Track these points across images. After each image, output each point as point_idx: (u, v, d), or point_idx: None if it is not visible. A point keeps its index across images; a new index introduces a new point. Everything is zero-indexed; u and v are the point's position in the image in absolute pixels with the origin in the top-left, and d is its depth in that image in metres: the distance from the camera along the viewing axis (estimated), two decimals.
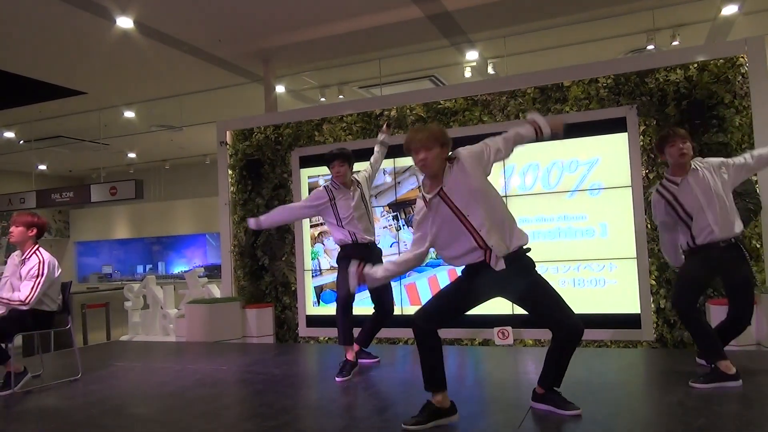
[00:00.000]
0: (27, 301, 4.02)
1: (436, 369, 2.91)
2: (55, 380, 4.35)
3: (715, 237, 3.42)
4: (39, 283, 4.05)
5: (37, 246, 4.25)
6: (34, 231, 4.24)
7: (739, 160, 3.53)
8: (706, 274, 3.58)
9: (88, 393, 3.97)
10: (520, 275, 2.85)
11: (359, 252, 4.19)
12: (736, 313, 3.54)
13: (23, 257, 4.20)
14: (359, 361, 4.31)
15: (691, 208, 3.47)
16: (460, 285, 2.97)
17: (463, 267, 2.95)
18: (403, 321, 5.53)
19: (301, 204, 4.58)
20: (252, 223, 4.40)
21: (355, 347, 4.29)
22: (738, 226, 3.47)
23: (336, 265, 4.50)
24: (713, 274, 3.64)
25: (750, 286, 3.54)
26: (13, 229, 4.23)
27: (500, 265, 2.80)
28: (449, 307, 2.96)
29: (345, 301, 4.29)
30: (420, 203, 2.93)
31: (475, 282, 2.89)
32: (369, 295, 4.47)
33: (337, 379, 4.04)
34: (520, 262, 2.88)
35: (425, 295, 5.91)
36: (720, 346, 3.47)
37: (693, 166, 3.52)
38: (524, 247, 2.91)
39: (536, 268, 2.95)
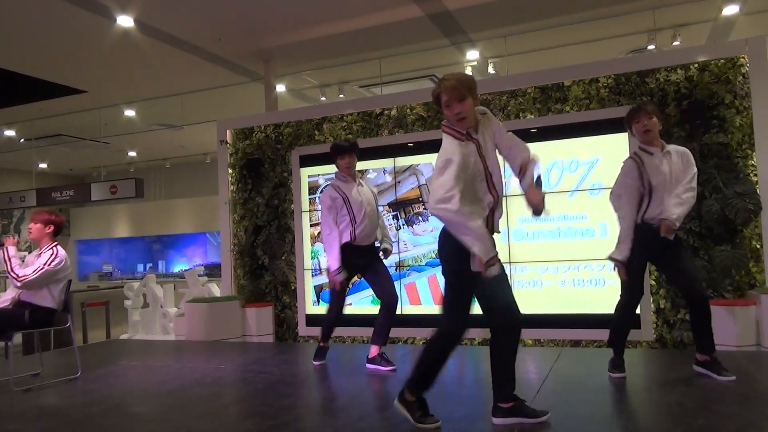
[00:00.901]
0: (21, 278, 4.04)
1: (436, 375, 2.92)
2: (55, 379, 4.35)
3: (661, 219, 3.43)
4: (42, 269, 4.07)
5: (55, 243, 4.30)
6: (51, 228, 4.29)
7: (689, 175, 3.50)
8: (641, 261, 3.60)
9: (87, 392, 3.97)
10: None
11: (355, 256, 4.19)
12: (686, 290, 3.48)
13: (40, 251, 4.25)
14: (376, 367, 4.23)
15: (656, 182, 3.46)
16: (464, 275, 2.78)
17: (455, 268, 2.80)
18: (403, 320, 5.55)
19: (326, 217, 4.24)
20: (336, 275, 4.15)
21: (375, 350, 4.25)
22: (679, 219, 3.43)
23: None
24: (648, 259, 3.66)
25: (688, 258, 3.53)
26: (31, 225, 4.32)
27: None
28: (468, 299, 2.85)
29: (332, 323, 4.44)
30: (453, 150, 2.66)
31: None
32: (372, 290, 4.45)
33: (314, 363, 4.43)
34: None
35: (425, 295, 5.91)
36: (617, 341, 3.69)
37: (667, 149, 3.53)
38: None
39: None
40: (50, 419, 3.36)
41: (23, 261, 4.33)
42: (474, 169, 2.70)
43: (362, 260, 4.24)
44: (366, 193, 4.27)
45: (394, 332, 5.76)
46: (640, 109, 3.56)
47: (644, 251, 3.55)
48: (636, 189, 3.51)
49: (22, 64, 7.65)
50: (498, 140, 2.87)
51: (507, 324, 2.82)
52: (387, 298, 4.25)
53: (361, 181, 4.34)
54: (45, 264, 4.10)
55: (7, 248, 4.17)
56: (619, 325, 3.73)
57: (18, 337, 4.66)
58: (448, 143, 2.72)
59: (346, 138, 4.42)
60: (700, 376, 3.60)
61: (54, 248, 4.23)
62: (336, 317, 4.43)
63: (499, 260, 2.67)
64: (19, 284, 4.08)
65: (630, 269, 3.55)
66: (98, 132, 10.94)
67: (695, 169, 3.52)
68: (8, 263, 4.10)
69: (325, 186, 4.42)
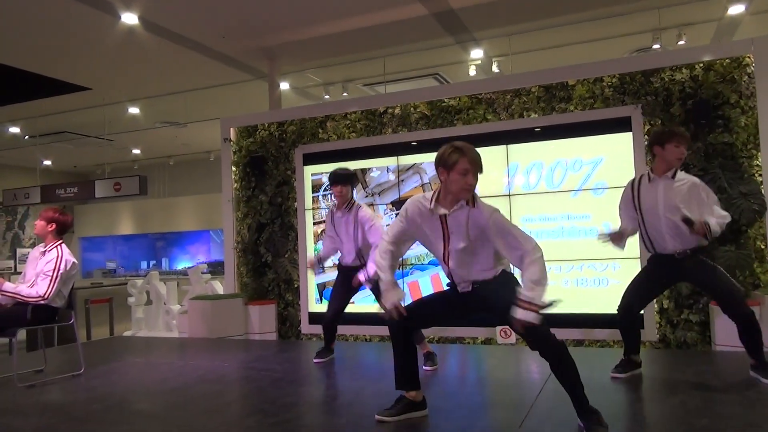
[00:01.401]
0: (46, 296, 4.05)
1: (409, 368, 2.96)
2: (58, 375, 4.37)
3: (667, 248, 3.44)
4: (55, 278, 4.08)
5: (59, 241, 4.28)
6: (53, 226, 4.27)
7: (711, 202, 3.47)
8: (656, 280, 3.62)
9: (90, 388, 3.98)
10: (497, 290, 2.80)
11: (343, 268, 4.42)
12: (723, 308, 3.44)
13: (44, 250, 4.25)
14: (423, 367, 4.12)
15: (645, 208, 3.48)
16: (448, 295, 2.97)
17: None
18: None
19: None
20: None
21: (425, 348, 4.19)
22: (695, 241, 3.39)
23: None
24: (668, 281, 3.70)
25: (714, 279, 3.43)
26: (36, 222, 4.32)
27: (463, 288, 2.85)
28: (432, 312, 3.01)
29: (333, 319, 4.45)
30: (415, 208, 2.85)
31: (460, 295, 2.89)
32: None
33: (315, 360, 4.44)
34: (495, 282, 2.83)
35: (428, 293, 5.90)
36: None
37: (675, 175, 3.46)
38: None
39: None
40: (53, 415, 3.37)
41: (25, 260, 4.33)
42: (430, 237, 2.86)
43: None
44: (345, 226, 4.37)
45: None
46: (682, 136, 3.45)
47: (666, 275, 3.57)
48: (629, 207, 3.62)
49: (26, 61, 7.67)
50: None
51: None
52: None
53: (354, 215, 4.34)
54: (54, 270, 4.10)
55: (3, 289, 4.06)
56: (620, 326, 3.72)
57: (22, 334, 4.66)
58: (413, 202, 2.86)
59: (340, 170, 4.45)
60: (703, 376, 3.59)
61: (58, 248, 4.21)
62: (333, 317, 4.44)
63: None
64: (44, 302, 4.08)
65: (642, 282, 3.61)
66: (102, 129, 10.95)
67: (718, 207, 3.45)
68: (18, 296, 4.06)
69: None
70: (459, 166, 2.68)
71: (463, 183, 2.70)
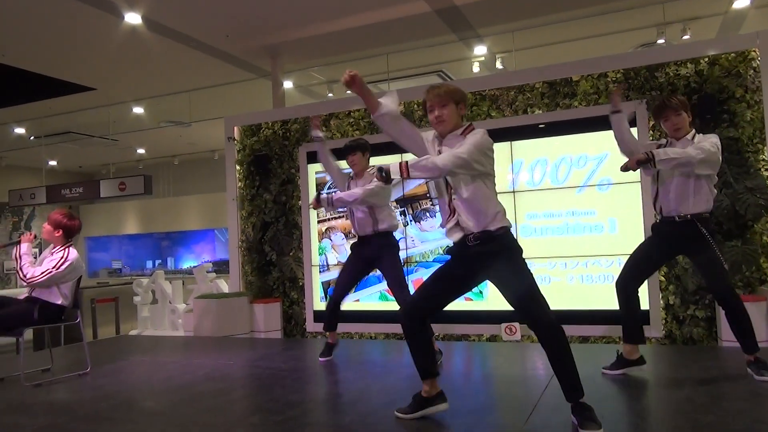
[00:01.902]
0: (29, 279, 4.06)
1: (429, 357, 2.95)
2: (65, 374, 4.39)
3: (671, 210, 3.39)
4: (50, 272, 4.09)
5: (68, 244, 4.28)
6: (60, 232, 4.27)
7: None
8: (660, 251, 3.57)
9: (97, 387, 4.00)
10: (498, 257, 2.74)
11: (358, 244, 4.33)
12: (711, 292, 3.42)
13: (53, 250, 4.27)
14: None
15: (663, 172, 3.42)
16: (446, 269, 2.89)
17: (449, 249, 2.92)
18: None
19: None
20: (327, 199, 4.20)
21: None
22: (697, 207, 3.35)
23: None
24: (669, 252, 3.62)
25: (712, 263, 3.38)
26: (44, 225, 4.33)
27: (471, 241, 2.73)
28: (437, 293, 2.88)
29: (338, 300, 4.41)
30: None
31: (457, 263, 2.83)
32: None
33: (320, 359, 4.42)
34: (499, 242, 2.75)
35: None
36: (634, 331, 3.56)
37: (693, 138, 3.42)
38: (501, 228, 2.79)
39: (520, 254, 2.80)
40: (60, 414, 3.39)
41: (36, 258, 4.35)
42: None
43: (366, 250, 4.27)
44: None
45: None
46: (667, 106, 3.44)
47: (665, 243, 3.52)
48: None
49: (31, 61, 7.69)
50: None
51: (549, 331, 2.72)
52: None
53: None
54: (53, 268, 4.11)
55: (21, 245, 4.19)
56: (620, 309, 3.63)
57: (29, 333, 4.69)
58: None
59: (353, 139, 4.50)
60: (710, 372, 3.58)
61: (65, 250, 4.23)
62: (337, 300, 4.40)
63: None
64: (26, 284, 4.11)
65: (643, 251, 3.57)
66: (107, 129, 10.99)
67: (707, 143, 3.31)
68: (19, 261, 4.13)
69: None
70: (427, 106, 2.95)
71: (431, 119, 2.92)
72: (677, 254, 3.55)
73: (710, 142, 3.33)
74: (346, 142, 4.46)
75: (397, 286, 4.15)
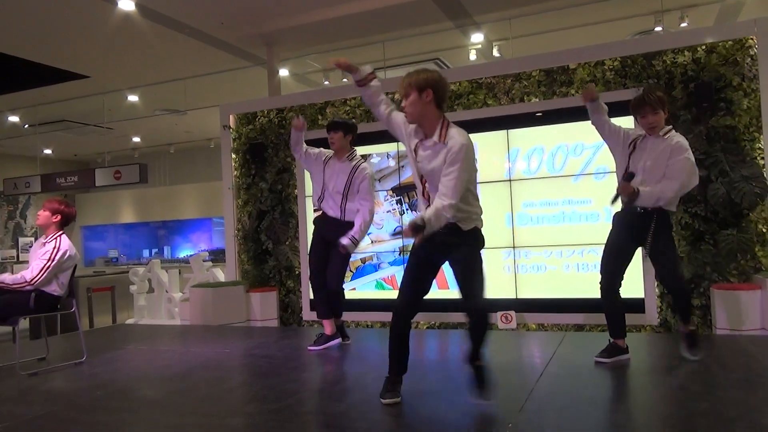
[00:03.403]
0: (33, 281, 4.05)
1: (407, 354, 3.03)
2: (61, 363, 4.39)
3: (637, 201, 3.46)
4: (48, 267, 4.08)
5: (61, 233, 4.27)
6: (59, 218, 4.27)
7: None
8: (627, 241, 3.65)
9: (93, 375, 4.01)
10: (461, 247, 2.86)
11: (326, 225, 4.36)
12: (662, 282, 3.57)
13: (45, 240, 4.24)
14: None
15: (632, 163, 3.52)
16: (422, 258, 2.97)
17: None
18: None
19: (309, 148, 4.45)
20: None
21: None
22: (663, 201, 3.45)
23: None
24: (634, 242, 3.68)
25: (666, 253, 3.54)
26: (40, 212, 4.31)
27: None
28: (426, 286, 2.99)
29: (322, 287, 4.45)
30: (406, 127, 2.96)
31: (426, 247, 2.90)
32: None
33: (309, 348, 4.43)
34: (466, 236, 2.87)
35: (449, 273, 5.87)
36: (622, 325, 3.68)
37: (665, 135, 3.48)
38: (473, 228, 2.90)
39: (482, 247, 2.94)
40: (56, 403, 3.39)
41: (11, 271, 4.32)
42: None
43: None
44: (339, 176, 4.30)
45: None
46: (645, 104, 3.48)
47: (629, 233, 3.59)
48: (619, 137, 3.62)
49: (24, 49, 7.62)
50: None
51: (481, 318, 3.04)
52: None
53: (352, 167, 4.30)
54: (48, 260, 4.09)
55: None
56: (605, 309, 3.75)
57: (24, 322, 4.68)
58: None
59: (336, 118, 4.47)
60: (704, 360, 3.59)
61: (58, 239, 4.21)
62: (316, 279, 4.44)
63: None
64: (32, 288, 4.08)
65: (607, 244, 3.70)
66: (102, 117, 10.91)
67: (679, 164, 3.42)
68: (2, 283, 4.07)
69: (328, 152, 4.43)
70: None
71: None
72: (642, 241, 3.63)
73: (683, 159, 3.41)
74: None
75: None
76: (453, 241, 2.84)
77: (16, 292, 4.12)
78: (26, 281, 4.04)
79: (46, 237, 4.27)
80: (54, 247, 4.15)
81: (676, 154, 3.43)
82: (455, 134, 2.78)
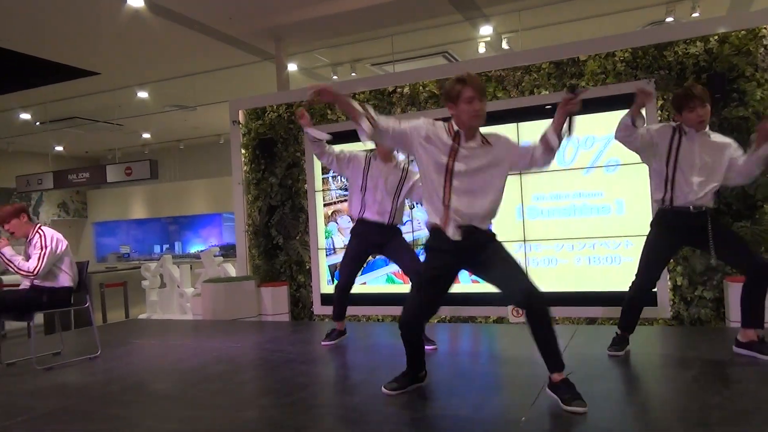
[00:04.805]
0: (35, 271, 4.08)
1: (419, 354, 3.12)
2: (76, 357, 4.43)
3: (690, 200, 3.34)
4: (44, 254, 4.10)
5: (37, 225, 4.30)
6: (24, 217, 4.29)
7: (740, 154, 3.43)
8: (676, 246, 3.62)
9: (107, 370, 4.05)
10: (477, 246, 2.82)
11: (368, 230, 4.18)
12: (747, 267, 3.33)
13: (29, 240, 4.25)
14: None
15: (684, 164, 3.35)
16: (434, 273, 2.92)
17: (427, 249, 2.94)
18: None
19: (342, 151, 4.25)
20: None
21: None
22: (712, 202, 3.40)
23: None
24: (679, 244, 3.65)
25: (735, 238, 3.49)
26: (7, 227, 4.21)
27: (455, 235, 2.77)
28: (436, 298, 2.97)
29: (344, 286, 4.34)
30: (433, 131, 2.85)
31: (442, 260, 2.87)
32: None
33: (323, 343, 4.40)
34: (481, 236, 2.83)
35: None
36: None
37: (707, 132, 3.42)
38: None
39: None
40: (71, 396, 3.43)
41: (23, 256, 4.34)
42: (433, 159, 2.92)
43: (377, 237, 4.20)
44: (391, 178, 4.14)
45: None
46: (694, 96, 3.30)
47: (672, 236, 3.49)
48: (649, 141, 3.42)
49: (35, 46, 7.66)
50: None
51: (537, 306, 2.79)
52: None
53: (399, 167, 4.18)
54: (42, 249, 4.12)
55: (2, 252, 4.14)
56: (631, 305, 3.67)
57: (39, 318, 4.73)
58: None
59: None
60: (717, 353, 3.57)
61: (39, 230, 4.24)
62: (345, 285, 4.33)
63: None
64: (33, 277, 4.12)
65: (652, 249, 3.53)
66: (112, 114, 10.98)
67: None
68: (12, 264, 4.11)
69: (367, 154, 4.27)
70: (464, 95, 2.77)
71: (470, 110, 2.76)
72: (692, 242, 3.58)
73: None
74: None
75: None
76: (473, 244, 2.81)
77: (32, 290, 4.17)
78: (30, 271, 4.09)
79: (30, 238, 4.25)
80: (40, 237, 4.18)
81: (733, 147, 3.40)
82: (492, 133, 2.90)
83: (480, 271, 2.91)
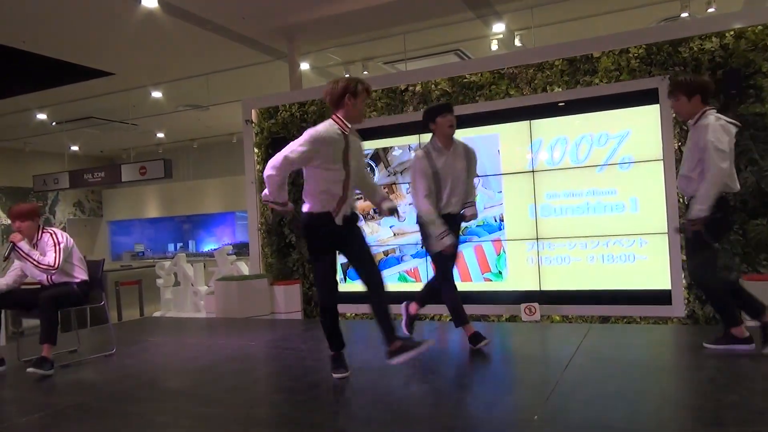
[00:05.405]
0: (55, 264, 4.09)
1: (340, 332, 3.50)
2: (91, 355, 4.49)
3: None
4: (60, 249, 4.12)
5: (41, 228, 4.28)
6: (38, 219, 4.29)
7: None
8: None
9: (122, 367, 4.09)
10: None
11: (454, 224, 3.91)
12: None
13: (34, 242, 4.20)
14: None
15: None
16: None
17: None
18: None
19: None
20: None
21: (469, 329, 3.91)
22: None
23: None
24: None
25: None
26: (18, 225, 4.16)
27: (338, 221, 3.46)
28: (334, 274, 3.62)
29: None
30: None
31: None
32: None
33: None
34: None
35: (472, 265, 5.85)
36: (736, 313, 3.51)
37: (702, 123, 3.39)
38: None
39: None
40: (87, 393, 3.48)
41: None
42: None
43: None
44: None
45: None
46: (670, 90, 3.48)
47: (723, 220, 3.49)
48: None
49: (50, 47, 7.75)
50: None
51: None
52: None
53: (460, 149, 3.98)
54: (57, 244, 4.15)
55: (20, 246, 4.11)
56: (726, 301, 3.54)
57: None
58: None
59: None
60: (732, 352, 3.53)
61: (46, 230, 4.24)
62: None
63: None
64: (54, 271, 4.15)
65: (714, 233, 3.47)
66: (127, 114, 11.08)
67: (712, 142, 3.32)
68: (30, 258, 4.10)
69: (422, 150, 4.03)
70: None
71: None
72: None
73: (715, 138, 3.31)
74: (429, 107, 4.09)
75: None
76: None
77: (64, 285, 4.21)
78: (50, 265, 4.09)
79: (38, 239, 4.22)
80: (51, 235, 4.19)
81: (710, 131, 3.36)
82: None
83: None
